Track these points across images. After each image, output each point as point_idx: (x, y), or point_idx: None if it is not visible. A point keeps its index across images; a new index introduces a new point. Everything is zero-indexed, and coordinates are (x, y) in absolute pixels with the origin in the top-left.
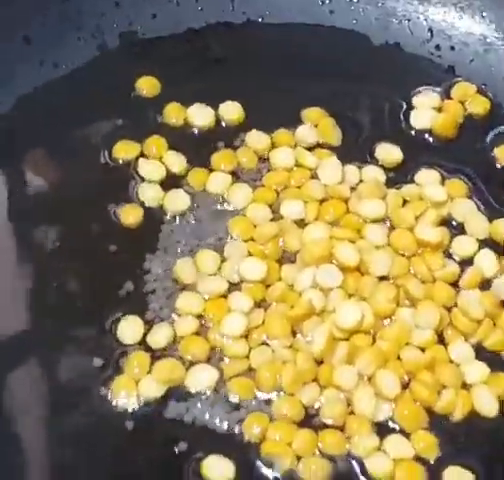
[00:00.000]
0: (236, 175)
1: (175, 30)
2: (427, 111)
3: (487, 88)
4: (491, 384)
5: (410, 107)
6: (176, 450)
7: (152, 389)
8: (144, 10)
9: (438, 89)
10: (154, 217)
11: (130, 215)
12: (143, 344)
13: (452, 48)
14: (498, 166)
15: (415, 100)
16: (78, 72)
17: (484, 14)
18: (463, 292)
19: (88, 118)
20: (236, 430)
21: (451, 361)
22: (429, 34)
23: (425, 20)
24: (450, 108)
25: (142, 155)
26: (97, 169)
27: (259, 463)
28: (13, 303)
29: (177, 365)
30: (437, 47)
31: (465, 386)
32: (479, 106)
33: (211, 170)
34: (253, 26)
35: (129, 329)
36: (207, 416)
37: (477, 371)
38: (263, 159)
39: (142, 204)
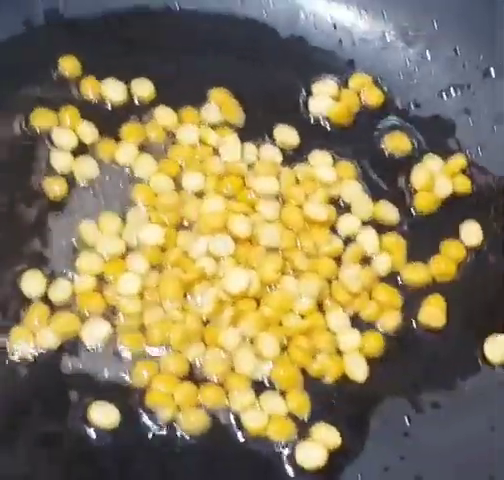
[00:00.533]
0: (143, 148)
1: (97, 11)
2: (325, 98)
3: (382, 82)
4: (362, 345)
5: (310, 94)
6: (67, 397)
7: (49, 340)
8: None
9: (337, 79)
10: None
11: (55, 186)
12: (43, 298)
13: (353, 43)
14: (386, 153)
15: (315, 88)
16: (3, 45)
17: (384, 14)
18: (344, 267)
19: (8, 89)
20: (124, 381)
21: (328, 329)
22: (333, 29)
23: (330, 16)
24: (346, 97)
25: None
26: (14, 136)
27: (142, 411)
28: None
29: (74, 318)
30: (339, 41)
31: (339, 352)
32: (373, 97)
33: (120, 141)
34: (170, 11)
35: (31, 282)
36: (98, 367)
37: (351, 339)
38: (170, 134)
39: (54, 170)
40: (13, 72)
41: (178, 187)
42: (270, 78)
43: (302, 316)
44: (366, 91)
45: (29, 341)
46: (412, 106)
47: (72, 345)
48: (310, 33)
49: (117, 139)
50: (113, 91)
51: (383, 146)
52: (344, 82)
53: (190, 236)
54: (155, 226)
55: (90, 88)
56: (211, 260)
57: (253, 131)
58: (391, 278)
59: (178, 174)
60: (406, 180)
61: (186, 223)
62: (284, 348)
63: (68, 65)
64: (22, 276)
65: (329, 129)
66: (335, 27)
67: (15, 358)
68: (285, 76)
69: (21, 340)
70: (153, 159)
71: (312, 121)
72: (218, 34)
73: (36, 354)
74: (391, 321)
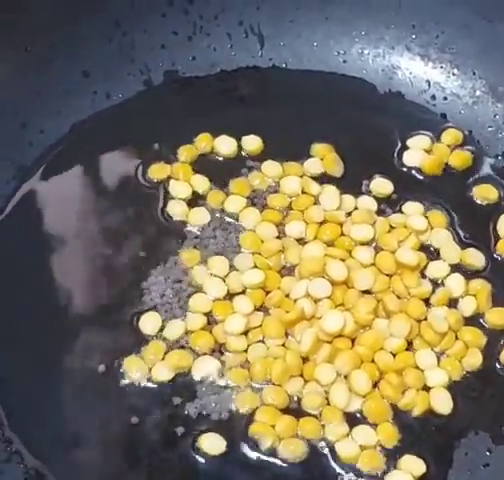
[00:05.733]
0: (250, 198)
1: (210, 71)
2: (418, 151)
3: (473, 135)
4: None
5: (405, 147)
6: (178, 429)
7: (163, 374)
8: (186, 53)
9: (430, 133)
10: (178, 229)
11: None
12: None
13: (445, 98)
14: (474, 202)
15: (409, 141)
16: (126, 103)
17: (475, 71)
18: (433, 308)
19: (130, 143)
20: (230, 414)
21: (417, 366)
22: (427, 85)
23: (424, 73)
24: (438, 151)
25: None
26: (132, 188)
27: (246, 441)
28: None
29: (186, 355)
30: (433, 97)
31: (426, 388)
32: (461, 157)
33: (229, 193)
34: (277, 71)
35: (149, 322)
36: (207, 400)
37: (437, 376)
38: (275, 185)
39: (170, 217)
40: (135, 128)
41: (281, 234)
42: (367, 131)
43: (393, 354)
44: (456, 148)
45: (144, 372)
46: (500, 158)
47: (183, 379)
48: (406, 89)
49: (226, 190)
50: (224, 145)
51: (472, 196)
52: (437, 136)
53: (291, 279)
54: (259, 270)
55: (204, 142)
56: (310, 301)
57: (350, 182)
58: (475, 320)
59: (281, 222)
60: (493, 228)
61: (288, 267)
62: (376, 384)
63: (187, 153)
64: (140, 317)
65: (421, 180)
66: (429, 83)
67: (130, 389)
68: (381, 129)
69: (135, 368)
70: (257, 210)
71: (406, 173)
72: (321, 92)
73: (151, 386)
74: (475, 359)
